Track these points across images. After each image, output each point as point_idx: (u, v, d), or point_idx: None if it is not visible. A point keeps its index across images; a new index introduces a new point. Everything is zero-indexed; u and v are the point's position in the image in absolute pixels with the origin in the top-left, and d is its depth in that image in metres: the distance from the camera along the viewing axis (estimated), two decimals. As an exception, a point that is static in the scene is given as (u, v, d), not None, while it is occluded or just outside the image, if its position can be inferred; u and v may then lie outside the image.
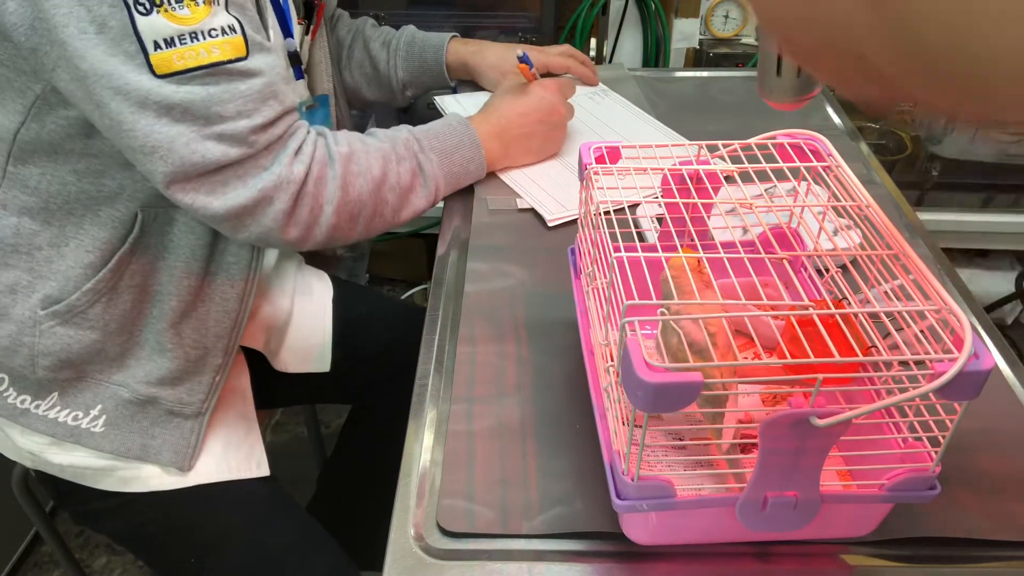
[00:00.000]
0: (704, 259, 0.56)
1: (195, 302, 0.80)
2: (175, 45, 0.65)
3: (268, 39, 0.75)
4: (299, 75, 0.92)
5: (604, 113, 1.13)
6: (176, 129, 0.66)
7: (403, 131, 0.87)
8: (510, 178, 0.97)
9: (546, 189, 0.95)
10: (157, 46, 0.64)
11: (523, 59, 1.00)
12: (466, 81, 1.18)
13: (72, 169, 0.73)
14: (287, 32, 0.88)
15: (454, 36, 1.14)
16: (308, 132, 0.77)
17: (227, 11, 0.67)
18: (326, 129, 0.81)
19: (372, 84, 1.15)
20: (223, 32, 0.66)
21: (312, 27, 0.96)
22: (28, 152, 0.73)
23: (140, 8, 0.63)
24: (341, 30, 1.14)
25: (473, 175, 0.93)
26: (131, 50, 0.64)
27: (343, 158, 0.78)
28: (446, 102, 1.15)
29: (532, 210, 0.92)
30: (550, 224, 0.90)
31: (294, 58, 0.90)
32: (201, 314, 0.81)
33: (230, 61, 0.67)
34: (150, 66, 0.64)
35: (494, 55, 1.12)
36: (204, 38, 0.65)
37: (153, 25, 0.63)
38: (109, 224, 0.75)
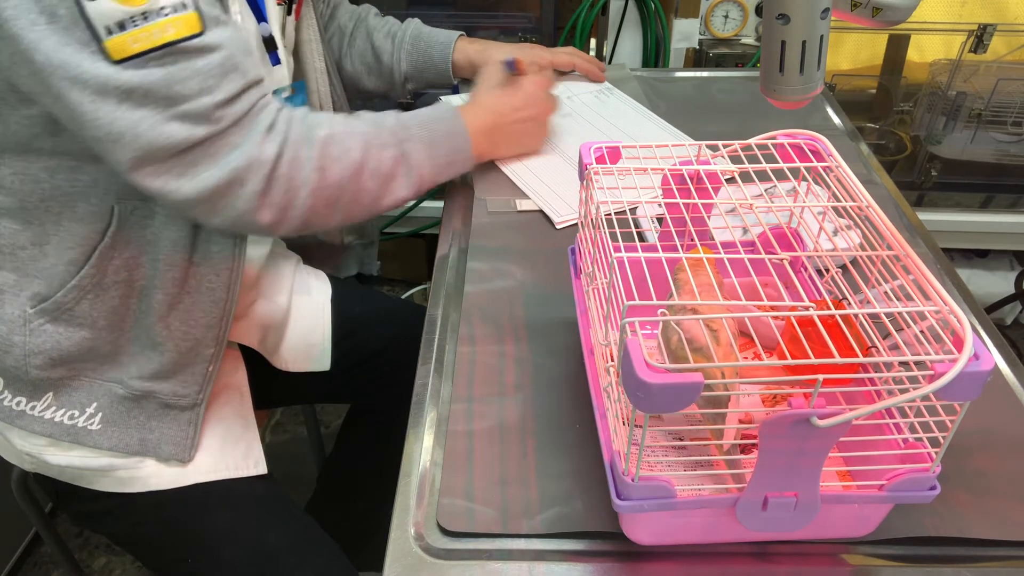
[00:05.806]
0: (705, 259, 0.56)
1: (181, 294, 0.80)
2: (127, 28, 0.63)
3: (227, 11, 0.73)
4: (275, 61, 0.89)
5: (609, 111, 1.13)
6: (139, 113, 0.65)
7: (390, 116, 0.85)
8: (518, 177, 0.97)
9: (554, 188, 0.94)
10: (109, 31, 0.63)
11: (509, 65, 1.00)
12: (467, 81, 1.18)
13: (44, 167, 0.73)
14: (260, 16, 0.86)
15: (461, 35, 1.14)
16: (280, 110, 0.75)
17: None
18: (306, 109, 0.79)
19: (372, 74, 1.14)
20: (174, 9, 0.65)
21: (295, 6, 0.93)
22: None
23: None
24: (343, 17, 1.13)
25: (459, 167, 0.91)
26: (84, 38, 0.63)
27: (321, 141, 0.76)
28: (452, 102, 1.15)
29: (532, 210, 0.92)
30: (558, 226, 0.89)
31: (269, 43, 0.88)
32: (188, 305, 0.80)
33: (185, 39, 0.66)
34: (104, 52, 0.63)
35: (499, 54, 1.12)
36: (156, 18, 0.64)
37: (101, 9, 0.62)
38: (87, 219, 0.75)
